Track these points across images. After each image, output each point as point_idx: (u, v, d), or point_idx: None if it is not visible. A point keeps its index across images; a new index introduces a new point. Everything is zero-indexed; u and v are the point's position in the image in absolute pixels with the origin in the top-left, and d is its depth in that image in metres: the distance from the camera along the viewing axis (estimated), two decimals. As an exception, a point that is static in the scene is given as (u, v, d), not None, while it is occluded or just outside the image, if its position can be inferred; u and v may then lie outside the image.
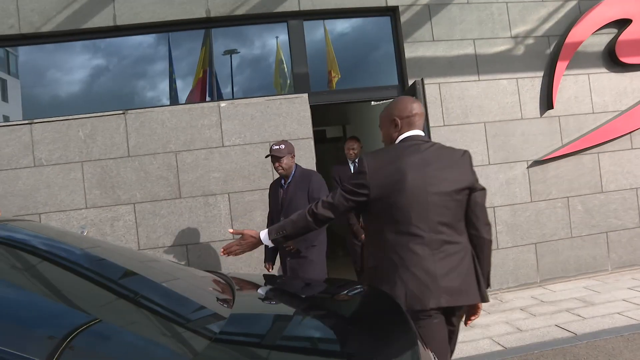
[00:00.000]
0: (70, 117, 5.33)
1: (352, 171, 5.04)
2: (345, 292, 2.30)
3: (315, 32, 5.88)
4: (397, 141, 2.34)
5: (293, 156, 4.20)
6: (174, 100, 5.64)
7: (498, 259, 5.76)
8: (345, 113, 9.48)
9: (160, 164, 5.29)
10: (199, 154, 5.31)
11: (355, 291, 2.29)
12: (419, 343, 1.65)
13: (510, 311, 5.00)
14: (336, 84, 5.89)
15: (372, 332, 1.71)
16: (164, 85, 5.71)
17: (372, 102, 5.80)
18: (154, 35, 5.64)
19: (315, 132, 5.64)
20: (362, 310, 2.05)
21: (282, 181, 4.22)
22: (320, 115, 6.51)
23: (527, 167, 5.89)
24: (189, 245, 5.26)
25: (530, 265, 5.88)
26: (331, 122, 8.75)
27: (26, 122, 5.31)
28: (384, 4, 5.72)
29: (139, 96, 5.66)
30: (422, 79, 4.89)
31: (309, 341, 1.59)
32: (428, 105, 5.59)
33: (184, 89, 5.70)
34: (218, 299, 2.03)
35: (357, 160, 5.28)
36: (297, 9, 5.57)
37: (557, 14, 6.16)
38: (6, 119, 5.79)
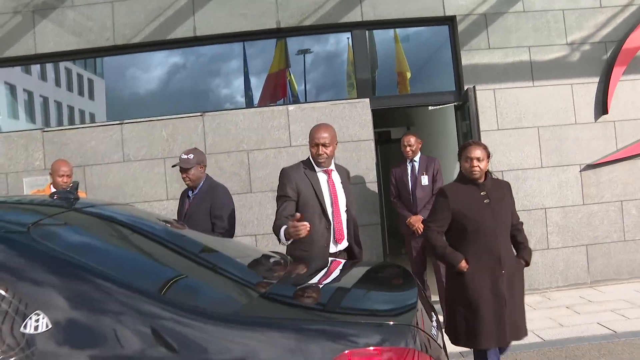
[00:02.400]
0: (154, 118, 5.98)
1: (409, 171, 5.27)
2: (379, 269, 2.85)
3: (380, 39, 6.28)
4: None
5: (202, 167, 4.08)
6: (246, 103, 6.19)
7: (548, 259, 5.99)
8: (410, 115, 9.78)
9: (234, 162, 5.85)
10: (269, 152, 5.83)
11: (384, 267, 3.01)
12: (419, 291, 2.11)
13: (556, 308, 5.24)
14: (399, 87, 6.28)
15: (385, 288, 2.35)
16: (238, 90, 6.28)
17: (429, 107, 6.13)
18: (229, 44, 6.21)
19: (380, 133, 6.02)
20: (382, 276, 2.64)
21: (190, 192, 4.11)
22: (385, 117, 6.83)
23: (580, 171, 6.07)
24: (257, 236, 5.79)
25: (580, 266, 6.06)
26: (396, 123, 9.05)
27: (117, 122, 5.99)
28: (442, 14, 6.05)
29: (216, 100, 6.25)
30: (473, 87, 5.21)
31: (331, 301, 2.03)
32: (481, 110, 5.88)
33: (255, 93, 6.24)
34: (272, 269, 2.55)
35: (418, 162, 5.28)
36: (360, 20, 5.99)
37: (615, 20, 6.28)
38: (92, 116, 6.53)
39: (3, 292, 1.63)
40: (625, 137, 6.17)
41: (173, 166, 4.24)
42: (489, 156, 3.35)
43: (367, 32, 6.15)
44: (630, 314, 4.82)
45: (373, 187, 5.89)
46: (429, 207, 4.82)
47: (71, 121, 6.57)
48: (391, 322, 1.74)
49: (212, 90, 6.32)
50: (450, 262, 3.28)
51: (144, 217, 2.65)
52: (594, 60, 6.18)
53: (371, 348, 1.56)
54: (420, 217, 5.08)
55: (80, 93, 6.77)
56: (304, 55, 6.25)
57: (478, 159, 3.27)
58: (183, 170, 4.05)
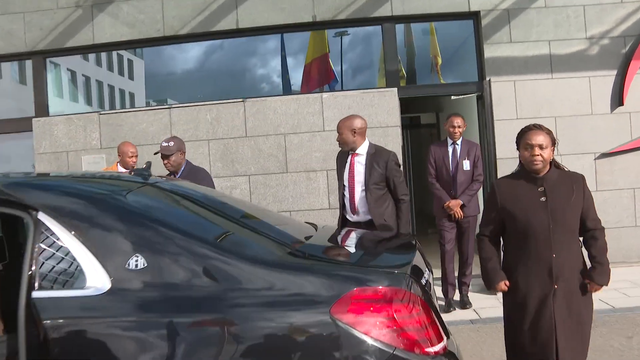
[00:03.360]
0: (200, 103, 6.58)
1: (451, 154, 5.16)
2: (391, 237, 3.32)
3: (409, 32, 6.77)
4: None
5: (182, 152, 4.43)
6: (284, 91, 6.75)
7: (562, 240, 6.41)
8: (439, 101, 10.19)
9: (272, 144, 6.41)
10: (304, 136, 6.38)
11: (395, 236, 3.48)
12: (418, 252, 2.57)
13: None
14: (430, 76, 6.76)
15: (390, 250, 2.86)
16: (276, 78, 6.85)
17: (452, 97, 6.57)
18: (268, 36, 6.76)
19: (410, 119, 6.47)
20: (390, 242, 3.16)
21: (173, 176, 4.37)
22: (415, 102, 7.25)
23: (595, 159, 6.44)
24: (292, 212, 6.36)
25: (593, 248, 6.46)
26: (426, 109, 9.46)
27: (166, 107, 6.62)
28: (467, 9, 6.46)
29: (255, 87, 6.85)
30: (489, 80, 5.65)
31: (346, 256, 2.59)
32: (502, 100, 6.30)
33: (292, 81, 6.80)
34: (302, 234, 2.96)
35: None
36: (390, 14, 6.45)
37: (635, 15, 6.58)
38: (132, 95, 7.17)
39: (113, 238, 2.20)
40: (639, 128, 6.50)
41: (155, 153, 4.60)
42: (554, 143, 2.80)
43: (396, 25, 6.61)
44: (631, 293, 5.24)
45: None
46: (468, 192, 5.08)
47: (123, 104, 7.23)
48: (391, 271, 2.22)
49: (252, 78, 6.91)
50: (489, 280, 2.90)
51: (196, 189, 3.21)
52: (612, 54, 6.51)
53: (373, 286, 2.04)
54: (459, 202, 5.04)
55: (131, 78, 7.42)
56: (341, 40, 6.72)
57: (540, 147, 2.73)
58: (164, 157, 4.41)
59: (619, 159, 6.48)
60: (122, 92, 7.38)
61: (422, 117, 10.19)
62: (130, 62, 7.28)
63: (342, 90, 6.55)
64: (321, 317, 1.95)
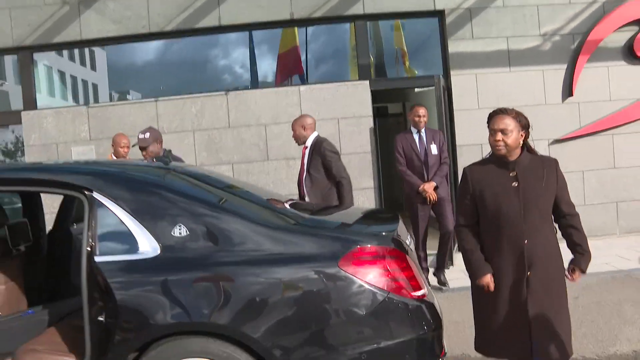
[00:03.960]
0: (185, 96, 6.98)
1: (418, 141, 5.42)
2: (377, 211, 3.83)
3: (380, 29, 7.31)
4: None
5: (159, 142, 4.75)
6: (264, 83, 7.20)
7: (520, 219, 7.06)
8: (406, 92, 10.74)
9: (253, 134, 6.87)
10: (283, 126, 6.81)
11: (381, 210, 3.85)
12: (401, 222, 3.06)
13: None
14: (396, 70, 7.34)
15: (379, 220, 3.39)
16: (257, 72, 7.30)
17: (415, 89, 7.13)
18: (249, 32, 7.20)
19: (378, 108, 6.99)
20: (378, 214, 3.74)
21: None
22: (383, 93, 7.76)
23: (548, 145, 7.10)
24: (273, 197, 6.84)
25: (547, 226, 7.13)
26: (392, 99, 9.99)
27: (153, 99, 6.99)
28: (432, 8, 7.02)
29: (238, 80, 7.29)
30: (439, 75, 6.36)
31: (346, 224, 3.08)
32: (464, 92, 6.90)
33: (271, 75, 7.26)
34: (306, 210, 3.47)
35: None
36: (362, 13, 6.96)
37: (582, 14, 7.26)
38: (95, 86, 7.55)
39: (159, 212, 2.67)
40: (588, 117, 7.18)
41: (133, 146, 4.92)
42: (525, 127, 2.74)
43: (367, 22, 7.13)
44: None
45: (372, 156, 6.92)
46: (440, 174, 5.38)
47: (111, 99, 7.57)
48: (383, 233, 2.74)
49: (235, 72, 7.36)
50: (473, 273, 2.81)
51: (206, 173, 3.67)
52: (562, 50, 7.17)
53: (369, 245, 2.57)
54: (433, 184, 5.27)
55: (118, 74, 7.75)
56: (308, 35, 7.21)
57: (503, 131, 2.67)
58: (142, 149, 4.70)
59: (569, 144, 7.16)
60: (110, 87, 7.71)
61: (389, 107, 10.75)
62: (119, 58, 7.60)
63: (318, 83, 7.03)
64: (331, 269, 2.49)
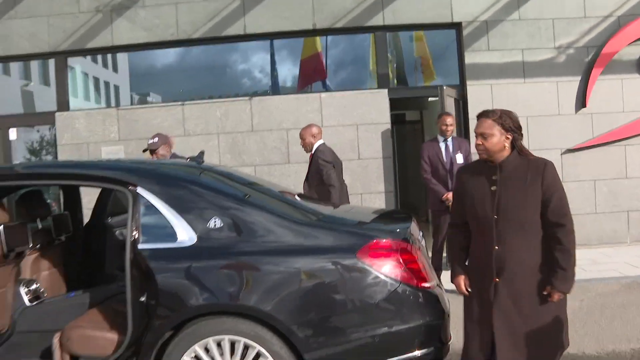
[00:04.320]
0: (210, 101, 7.30)
1: (444, 150, 5.51)
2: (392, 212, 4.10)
3: (399, 40, 7.57)
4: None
5: (168, 145, 5.21)
6: (287, 90, 7.52)
7: (532, 226, 7.24)
8: (423, 100, 11.00)
9: (275, 138, 7.16)
10: (304, 131, 7.13)
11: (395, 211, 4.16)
12: (413, 221, 3.29)
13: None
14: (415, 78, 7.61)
15: (393, 219, 3.66)
16: (279, 79, 7.62)
17: (429, 99, 7.37)
18: (272, 41, 7.51)
19: (396, 115, 7.24)
20: (392, 214, 4.02)
21: None
22: (401, 100, 8.03)
23: (561, 154, 7.28)
24: (293, 199, 7.12)
25: (559, 233, 7.30)
26: (409, 107, 10.25)
27: (179, 103, 7.32)
28: (450, 20, 7.27)
29: (260, 86, 7.63)
30: (442, 86, 6.58)
31: (349, 222, 3.32)
32: (480, 102, 7.10)
33: (293, 82, 7.56)
34: (326, 208, 3.72)
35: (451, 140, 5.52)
36: (382, 24, 7.24)
37: (597, 28, 7.45)
38: (123, 90, 7.90)
39: (197, 206, 2.96)
40: (601, 127, 7.35)
41: (144, 151, 5.36)
42: (510, 129, 2.59)
43: (387, 33, 7.40)
44: (589, 268, 6.07)
45: (389, 162, 7.17)
46: None
47: (136, 102, 7.92)
48: (397, 230, 3.01)
49: (257, 78, 7.70)
50: (451, 273, 2.84)
51: (234, 172, 3.96)
52: (576, 62, 7.36)
53: (386, 239, 2.83)
54: None
55: (146, 78, 8.10)
56: (334, 44, 7.48)
57: (482, 135, 2.59)
58: (152, 152, 5.15)
59: (582, 154, 7.34)
60: (138, 91, 8.07)
61: (407, 114, 11.01)
62: (149, 64, 7.96)
63: (338, 90, 7.31)
64: (350, 260, 2.76)
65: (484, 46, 7.29)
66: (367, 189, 7.06)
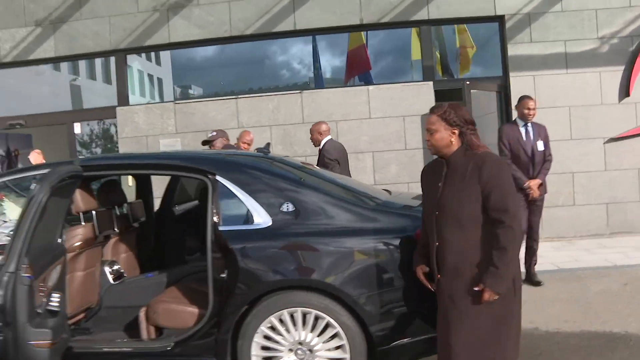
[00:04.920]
0: (263, 94, 7.68)
1: (524, 135, 5.28)
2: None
3: (443, 34, 7.81)
4: None
5: (225, 139, 5.93)
6: (334, 83, 7.84)
7: (573, 214, 7.43)
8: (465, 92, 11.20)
9: (325, 129, 7.49)
10: (352, 123, 7.45)
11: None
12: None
13: (577, 250, 6.74)
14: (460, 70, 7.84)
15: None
16: (328, 72, 7.97)
17: (472, 90, 7.54)
18: (321, 36, 7.84)
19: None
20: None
21: None
22: (445, 92, 8.23)
23: (604, 143, 7.43)
24: (341, 188, 7.46)
25: (601, 220, 7.47)
26: (454, 98, 10.39)
27: (233, 97, 7.71)
28: (493, 14, 7.47)
29: (311, 80, 7.93)
30: (466, 82, 6.98)
31: (403, 206, 3.58)
32: (521, 93, 7.25)
33: (340, 74, 7.89)
34: (384, 195, 3.95)
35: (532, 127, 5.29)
36: (427, 18, 7.48)
37: (642, 17, 7.54)
38: (160, 81, 8.33)
39: (271, 191, 3.29)
40: (644, 116, 7.49)
41: (203, 143, 6.07)
42: (456, 124, 2.55)
43: (431, 27, 7.65)
44: (631, 255, 6.27)
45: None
46: (544, 171, 5.27)
47: (195, 97, 8.38)
48: None
49: (308, 72, 8.02)
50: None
51: (294, 162, 4.29)
52: (620, 52, 7.47)
53: None
54: (538, 181, 5.21)
55: (199, 72, 8.54)
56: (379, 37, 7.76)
57: (428, 131, 2.61)
58: (208, 143, 5.93)
59: (625, 143, 7.46)
60: (192, 85, 8.51)
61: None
62: (203, 58, 8.39)
63: (384, 83, 7.60)
64: (409, 240, 3.06)
65: (527, 38, 7.47)
66: (414, 178, 7.29)
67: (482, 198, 2.45)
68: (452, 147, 2.57)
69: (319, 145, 5.98)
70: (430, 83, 7.45)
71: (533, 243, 5.44)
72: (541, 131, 5.39)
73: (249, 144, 6.52)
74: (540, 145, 5.30)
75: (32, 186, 3.09)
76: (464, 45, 7.90)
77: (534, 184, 5.20)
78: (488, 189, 2.44)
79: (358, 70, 7.87)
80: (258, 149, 4.26)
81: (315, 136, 6.02)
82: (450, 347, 2.49)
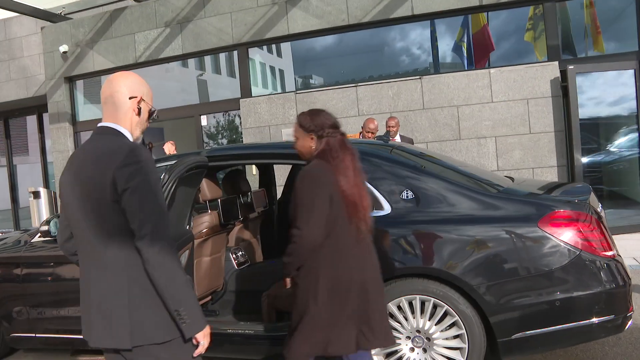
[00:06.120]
0: (382, 81, 7.77)
1: None
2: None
3: (568, 10, 7.46)
4: None
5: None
6: (456, 67, 7.77)
7: None
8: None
9: (446, 115, 7.49)
10: (474, 107, 7.38)
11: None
12: (591, 193, 3.38)
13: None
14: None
15: (573, 190, 3.75)
16: (448, 57, 7.88)
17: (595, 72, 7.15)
18: (440, 20, 7.75)
19: (565, 87, 7.07)
20: (572, 186, 4.06)
21: None
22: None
23: None
24: (464, 173, 7.47)
25: None
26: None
27: (353, 85, 7.88)
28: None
29: (431, 65, 7.91)
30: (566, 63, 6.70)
31: (544, 192, 3.49)
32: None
33: (459, 58, 7.79)
34: (507, 182, 3.85)
35: None
36: (554, -6, 7.18)
37: None
38: (281, 72, 8.52)
39: (391, 179, 3.28)
40: None
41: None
42: (310, 130, 2.58)
43: (557, 4, 7.32)
44: None
45: (561, 135, 7.18)
46: None
47: (314, 86, 8.63)
48: (576, 200, 3.18)
49: (428, 57, 7.99)
50: None
51: (414, 149, 4.27)
52: None
53: (566, 209, 3.02)
54: None
55: (318, 62, 8.76)
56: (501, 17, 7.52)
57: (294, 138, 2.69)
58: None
59: None
60: (309, 74, 8.77)
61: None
62: (323, 47, 8.59)
63: (506, 65, 7.42)
64: (532, 228, 2.99)
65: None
66: (539, 163, 7.18)
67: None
68: (310, 155, 2.61)
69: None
70: (556, 63, 7.18)
71: None
72: None
73: (372, 133, 6.65)
74: None
75: (162, 176, 3.16)
76: (592, 20, 7.49)
77: None
78: (295, 198, 2.50)
79: (482, 52, 7.72)
80: (378, 137, 4.35)
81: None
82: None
